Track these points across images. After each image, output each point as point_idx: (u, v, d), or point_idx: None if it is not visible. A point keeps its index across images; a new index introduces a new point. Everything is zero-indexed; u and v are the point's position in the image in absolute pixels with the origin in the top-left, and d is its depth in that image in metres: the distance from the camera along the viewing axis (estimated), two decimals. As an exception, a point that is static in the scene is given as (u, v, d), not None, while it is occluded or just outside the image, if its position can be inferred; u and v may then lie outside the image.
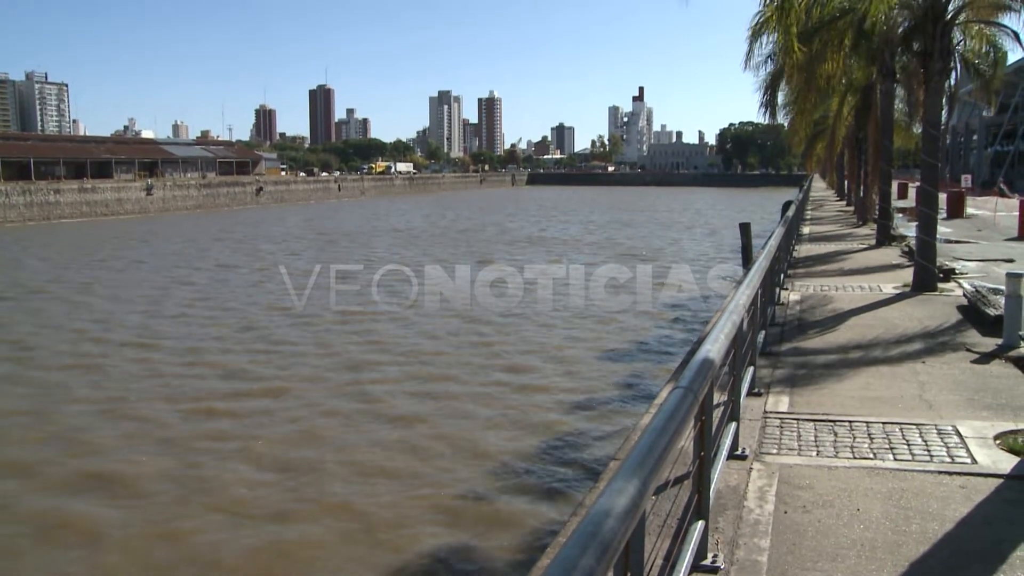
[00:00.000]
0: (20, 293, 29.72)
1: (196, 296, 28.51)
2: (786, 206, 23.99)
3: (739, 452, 6.55)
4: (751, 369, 8.11)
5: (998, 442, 6.85)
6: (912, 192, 40.52)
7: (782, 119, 36.04)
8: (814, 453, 6.71)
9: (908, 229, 25.25)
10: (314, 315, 24.14)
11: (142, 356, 19.13)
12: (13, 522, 10.41)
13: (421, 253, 42.38)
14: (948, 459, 6.49)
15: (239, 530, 10.07)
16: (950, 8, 15.77)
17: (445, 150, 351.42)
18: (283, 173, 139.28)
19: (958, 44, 17.28)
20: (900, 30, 18.14)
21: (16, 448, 13.12)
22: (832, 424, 7.45)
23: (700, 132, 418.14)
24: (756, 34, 16.57)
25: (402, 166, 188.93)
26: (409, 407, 15.10)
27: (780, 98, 23.36)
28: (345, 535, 9.98)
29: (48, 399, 15.65)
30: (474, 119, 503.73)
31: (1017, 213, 27.04)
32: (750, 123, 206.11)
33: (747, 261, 22.73)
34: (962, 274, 16.97)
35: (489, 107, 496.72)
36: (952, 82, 17.61)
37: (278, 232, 58.78)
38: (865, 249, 23.94)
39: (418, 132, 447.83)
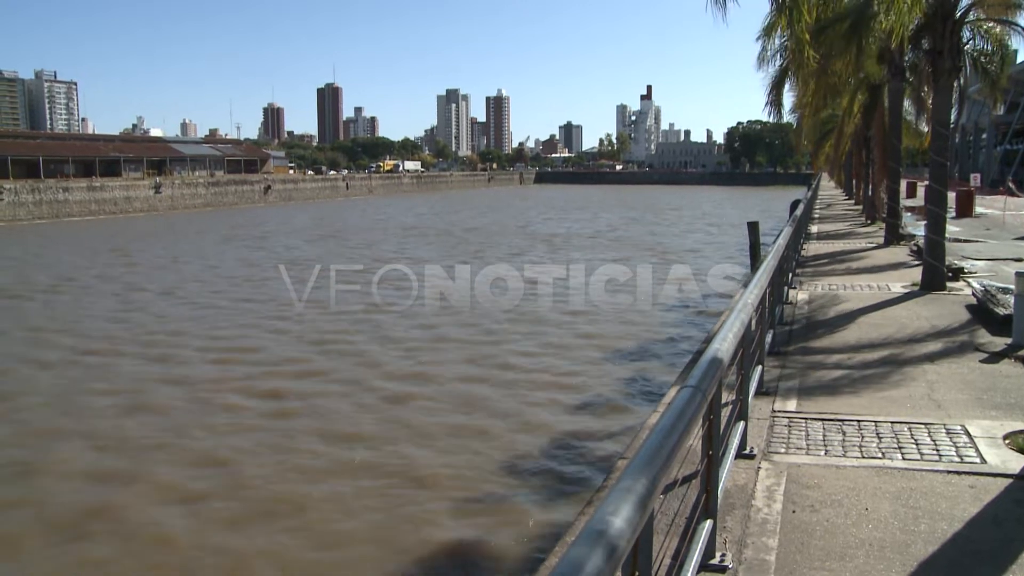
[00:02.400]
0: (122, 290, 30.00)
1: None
2: (794, 205, 23.96)
3: (747, 451, 6.54)
4: (759, 368, 8.09)
5: (1007, 442, 6.83)
6: (921, 191, 40.45)
7: (789, 118, 35.92)
8: (822, 452, 6.70)
9: (917, 228, 25.19)
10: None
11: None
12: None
13: (453, 254, 41.55)
14: (957, 459, 6.48)
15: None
16: (960, 6, 15.70)
17: (453, 148, 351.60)
18: (291, 171, 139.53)
19: (967, 43, 17.19)
20: (910, 28, 18.06)
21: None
22: (840, 423, 7.43)
23: (708, 131, 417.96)
24: (768, 32, 16.51)
25: (410, 164, 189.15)
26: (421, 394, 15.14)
27: (786, 97, 23.21)
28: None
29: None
30: (482, 117, 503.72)
31: (1027, 212, 26.93)
32: (758, 122, 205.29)
33: (755, 260, 22.68)
34: (971, 273, 16.91)
35: (497, 105, 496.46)
36: (961, 80, 17.55)
37: (310, 231, 58.79)
38: (873, 248, 23.88)
39: (426, 130, 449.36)
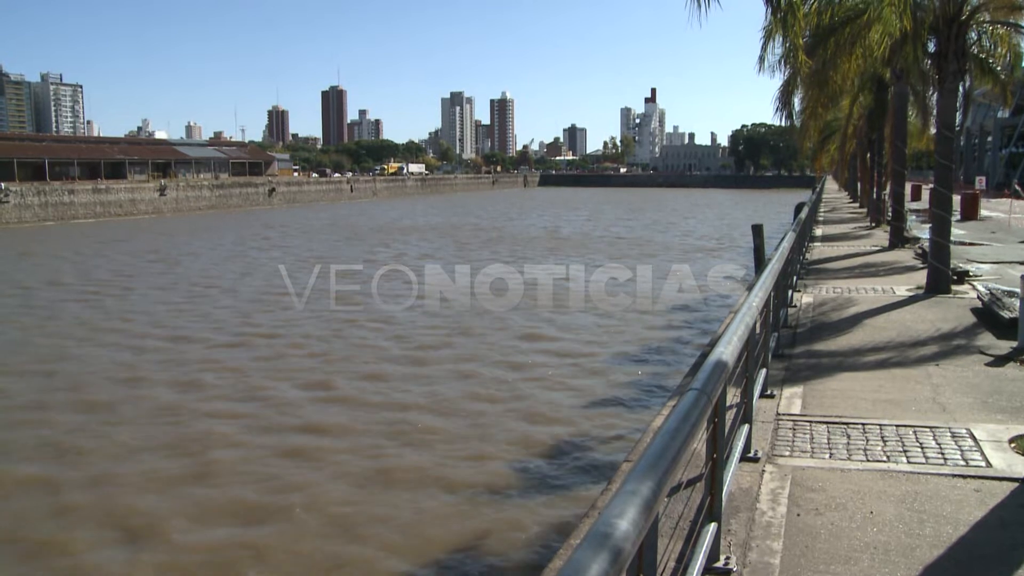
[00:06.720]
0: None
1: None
2: (799, 208, 23.93)
3: (752, 454, 6.53)
4: (764, 371, 8.09)
5: (1013, 445, 6.81)
6: (926, 194, 40.37)
7: (799, 122, 35.95)
8: (827, 455, 6.69)
9: (921, 231, 25.09)
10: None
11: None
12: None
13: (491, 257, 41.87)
14: (962, 462, 6.45)
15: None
16: (965, 9, 15.65)
17: (457, 151, 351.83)
18: (295, 174, 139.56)
19: (972, 46, 17.12)
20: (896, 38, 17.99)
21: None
22: (845, 426, 7.41)
23: (712, 134, 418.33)
24: (769, 36, 16.45)
25: (414, 167, 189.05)
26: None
27: (796, 102, 23.07)
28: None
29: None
30: (486, 120, 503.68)
31: (1032, 215, 26.85)
32: (763, 124, 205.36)
33: (759, 263, 22.65)
34: (976, 276, 16.87)
35: (501, 108, 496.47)
36: (967, 83, 17.50)
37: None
38: (878, 251, 23.82)
39: (430, 133, 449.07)
